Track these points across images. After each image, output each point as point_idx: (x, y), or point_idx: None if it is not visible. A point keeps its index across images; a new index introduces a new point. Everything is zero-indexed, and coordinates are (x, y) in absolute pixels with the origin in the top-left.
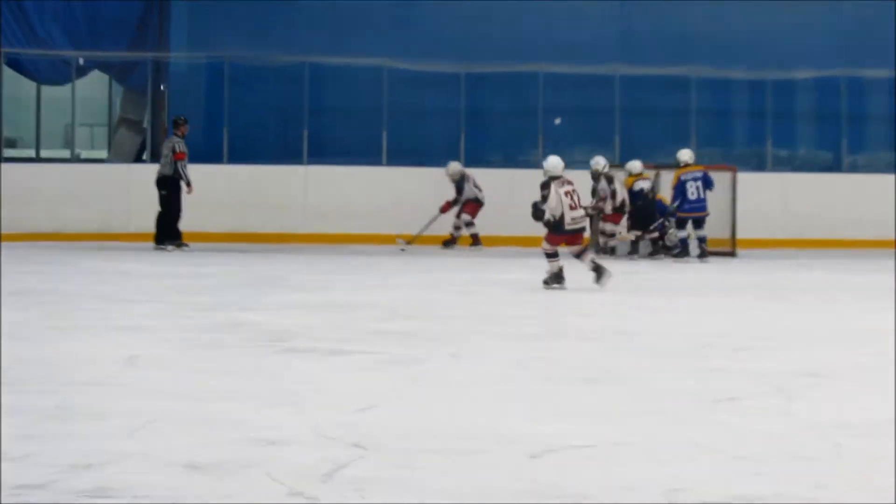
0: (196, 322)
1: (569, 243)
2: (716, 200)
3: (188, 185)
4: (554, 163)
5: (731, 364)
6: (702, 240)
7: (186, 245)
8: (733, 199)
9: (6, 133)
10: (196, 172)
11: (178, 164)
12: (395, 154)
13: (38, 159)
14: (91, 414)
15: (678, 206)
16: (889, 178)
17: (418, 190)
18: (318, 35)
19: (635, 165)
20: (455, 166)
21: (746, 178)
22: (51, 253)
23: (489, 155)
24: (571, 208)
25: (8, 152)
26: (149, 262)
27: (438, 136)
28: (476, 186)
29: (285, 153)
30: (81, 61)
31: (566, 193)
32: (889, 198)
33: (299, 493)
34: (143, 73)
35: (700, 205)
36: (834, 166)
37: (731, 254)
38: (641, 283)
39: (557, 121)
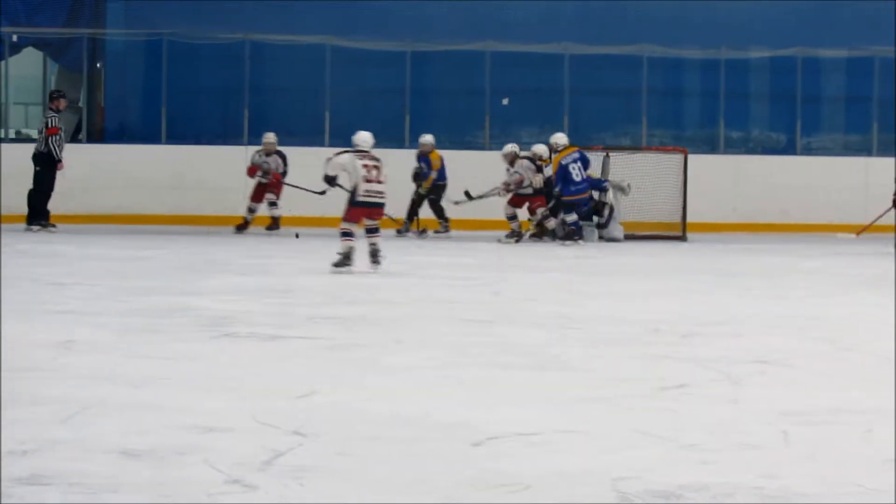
0: (133, 306)
1: (370, 218)
2: (666, 183)
3: (58, 161)
4: (363, 137)
5: (679, 350)
6: (575, 223)
7: (53, 226)
8: (684, 182)
9: None
10: (134, 153)
11: (50, 140)
12: (338, 134)
13: None
14: (24, 400)
15: (561, 191)
16: (844, 160)
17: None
18: (260, 12)
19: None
20: (271, 136)
21: (698, 160)
22: None
23: (435, 135)
24: (367, 181)
25: None
26: (84, 244)
27: (383, 116)
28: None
29: (225, 133)
30: (15, 38)
31: (364, 166)
32: (843, 181)
33: (237, 481)
34: (78, 50)
35: (584, 186)
36: (788, 148)
37: (682, 238)
38: (590, 267)
39: (505, 101)
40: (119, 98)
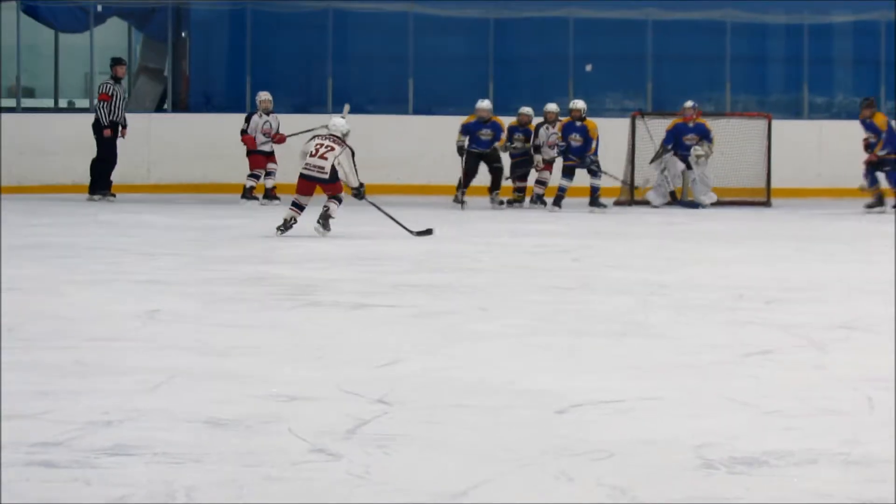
0: (217, 275)
1: (325, 189)
2: (751, 148)
3: (105, 127)
4: (333, 122)
5: (763, 316)
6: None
7: (113, 196)
8: (768, 147)
9: (24, 82)
10: (219, 122)
11: (98, 106)
12: (421, 102)
13: (56, 109)
14: (110, 369)
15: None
16: None
17: (445, 139)
18: None
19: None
20: (267, 95)
21: (782, 126)
22: (68, 204)
23: (518, 103)
24: (311, 155)
25: (26, 102)
26: (168, 214)
27: (466, 84)
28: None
29: (309, 102)
30: (99, 8)
31: (316, 145)
32: None
33: (322, 450)
34: (162, 19)
35: None
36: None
37: (766, 203)
38: (673, 233)
39: (589, 67)
40: (204, 67)
